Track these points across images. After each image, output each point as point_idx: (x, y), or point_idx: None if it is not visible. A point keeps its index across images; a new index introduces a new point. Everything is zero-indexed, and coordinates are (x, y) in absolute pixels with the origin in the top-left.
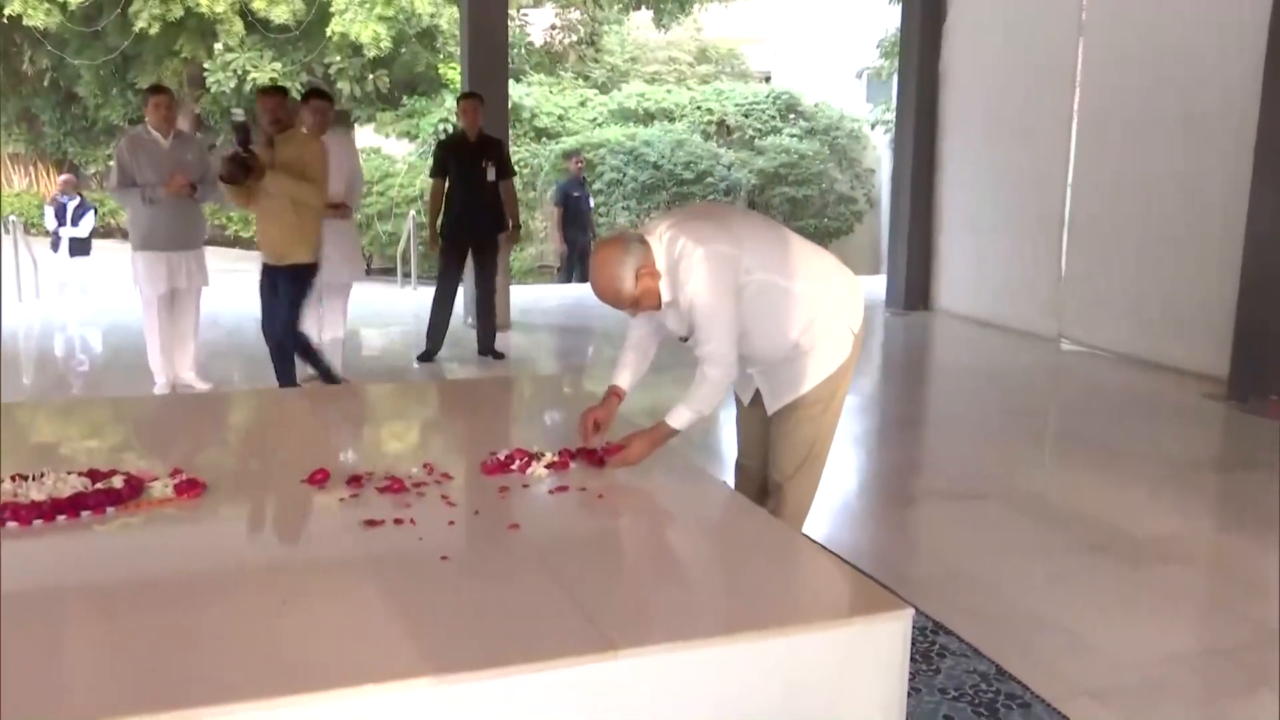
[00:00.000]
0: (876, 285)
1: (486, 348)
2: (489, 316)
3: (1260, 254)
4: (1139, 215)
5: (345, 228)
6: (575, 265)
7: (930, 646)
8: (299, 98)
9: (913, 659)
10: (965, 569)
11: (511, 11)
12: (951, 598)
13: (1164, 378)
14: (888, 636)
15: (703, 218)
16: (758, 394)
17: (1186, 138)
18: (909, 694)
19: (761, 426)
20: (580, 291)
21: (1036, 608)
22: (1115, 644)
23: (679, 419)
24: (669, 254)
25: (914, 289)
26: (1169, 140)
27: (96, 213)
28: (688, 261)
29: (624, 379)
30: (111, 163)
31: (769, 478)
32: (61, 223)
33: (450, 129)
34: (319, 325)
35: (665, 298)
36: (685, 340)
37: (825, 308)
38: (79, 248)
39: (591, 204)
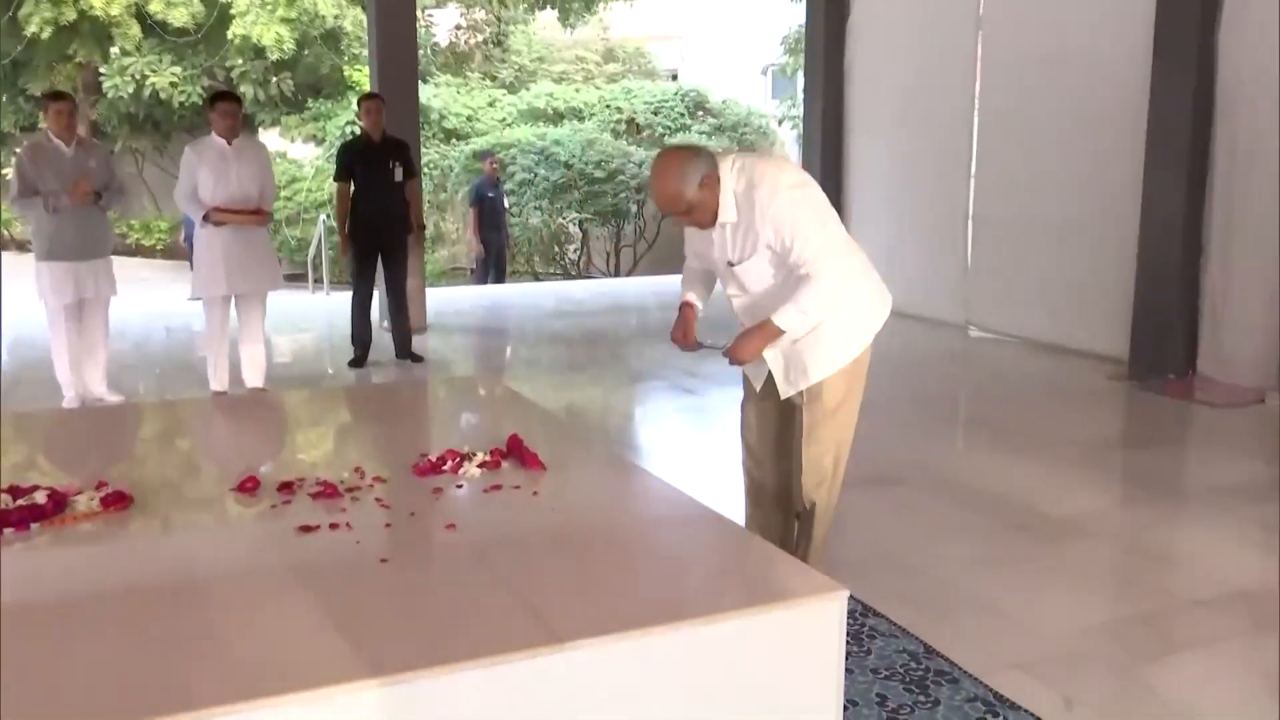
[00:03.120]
0: None
1: (404, 351)
2: (403, 319)
3: (1155, 240)
4: (1040, 205)
5: (261, 234)
6: (491, 266)
7: (860, 628)
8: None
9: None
10: (889, 552)
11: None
12: (878, 580)
13: (1069, 361)
14: (825, 618)
15: (783, 161)
16: (770, 381)
17: (1083, 129)
18: None
19: (773, 424)
20: (495, 292)
21: (960, 587)
22: (1037, 618)
23: (785, 319)
24: (740, 178)
25: None
26: (1067, 132)
27: None
28: (780, 185)
29: (693, 295)
30: (9, 172)
31: (797, 500)
32: None
33: (356, 131)
34: (237, 334)
35: (727, 217)
36: (732, 265)
37: (851, 296)
38: None
39: (506, 204)
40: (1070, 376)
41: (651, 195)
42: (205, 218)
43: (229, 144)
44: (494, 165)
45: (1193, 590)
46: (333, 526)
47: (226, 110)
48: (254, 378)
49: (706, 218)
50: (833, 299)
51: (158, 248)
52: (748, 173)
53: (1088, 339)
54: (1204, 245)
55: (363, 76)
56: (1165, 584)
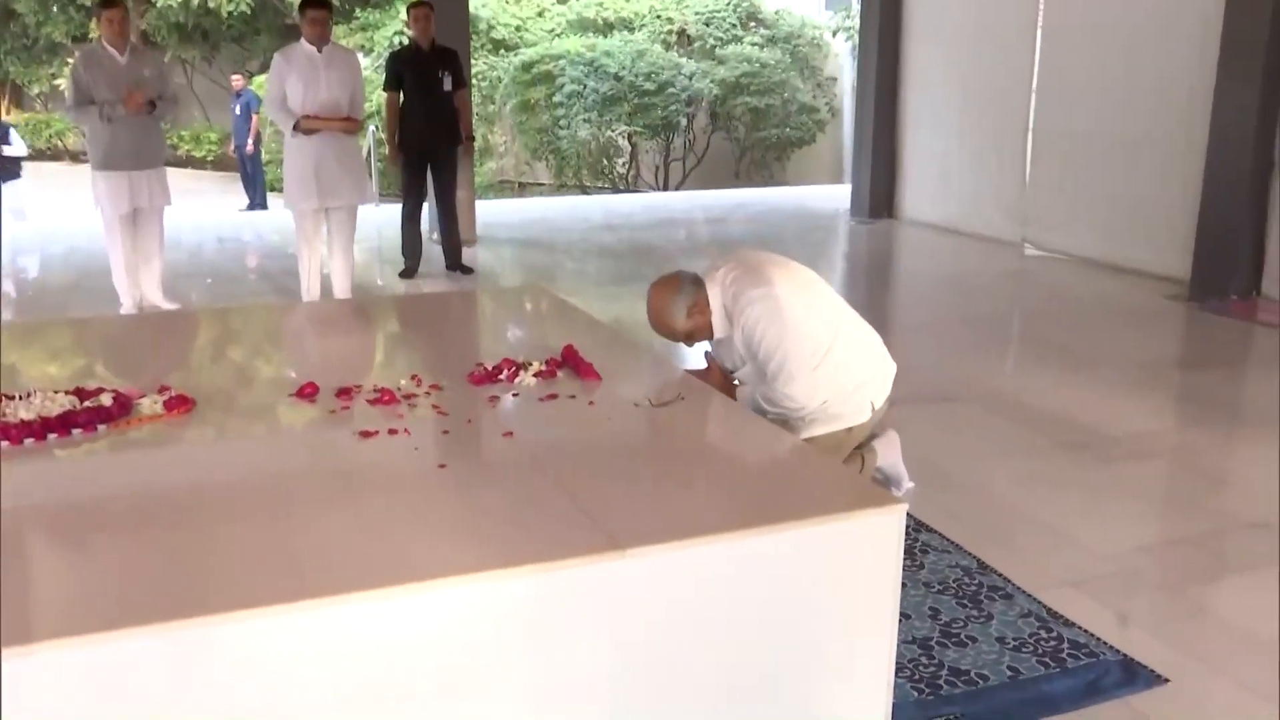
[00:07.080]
0: (840, 194)
1: (454, 262)
2: (453, 231)
3: (1223, 154)
4: (1104, 118)
5: (350, 145)
6: None
7: (913, 543)
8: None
9: None
10: (942, 469)
11: None
12: (931, 497)
13: (1127, 281)
14: (883, 530)
15: (766, 264)
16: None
17: (1152, 39)
18: None
19: None
20: (544, 205)
21: (1013, 504)
22: (1091, 536)
23: (755, 400)
24: (724, 293)
25: (878, 197)
26: (1134, 41)
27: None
28: (745, 300)
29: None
30: (64, 81)
31: None
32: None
33: (405, 41)
34: (326, 248)
35: (718, 334)
36: (732, 373)
37: (828, 404)
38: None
39: None
40: (1129, 296)
41: (652, 326)
42: (295, 127)
43: (319, 51)
44: None
45: (1249, 513)
46: (391, 432)
47: (316, 17)
48: (341, 289)
49: (706, 334)
50: (789, 411)
51: (208, 159)
52: (733, 287)
53: (1148, 258)
54: (1275, 160)
55: None
56: (1221, 505)
